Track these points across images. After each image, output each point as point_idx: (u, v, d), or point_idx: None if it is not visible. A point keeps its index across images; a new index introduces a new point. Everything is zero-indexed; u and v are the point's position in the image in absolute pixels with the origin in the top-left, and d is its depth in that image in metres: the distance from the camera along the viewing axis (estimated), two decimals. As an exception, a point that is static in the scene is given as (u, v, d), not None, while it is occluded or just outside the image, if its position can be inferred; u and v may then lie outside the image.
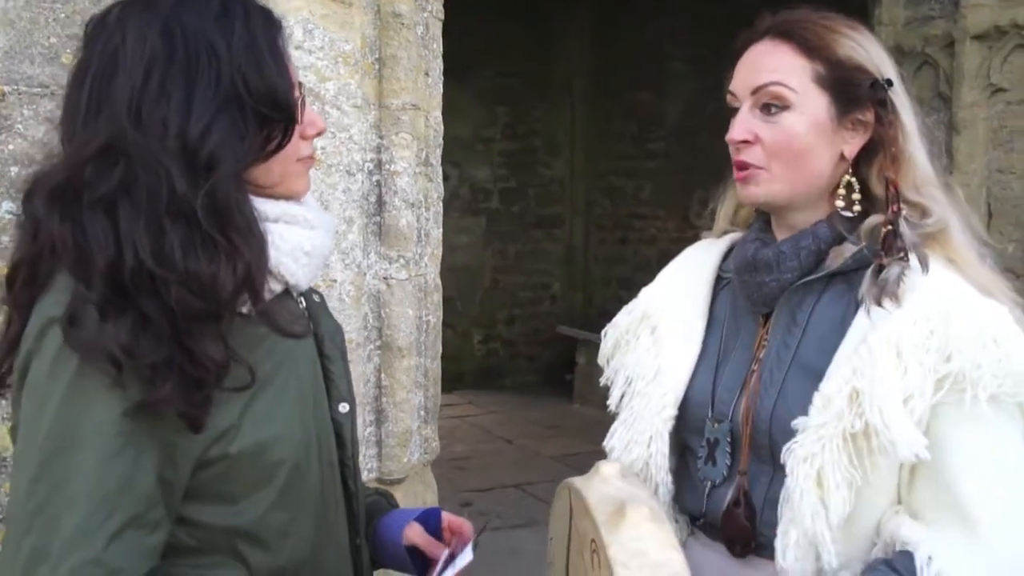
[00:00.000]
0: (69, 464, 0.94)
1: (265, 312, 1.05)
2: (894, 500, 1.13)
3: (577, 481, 1.14)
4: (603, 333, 1.43)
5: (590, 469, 1.17)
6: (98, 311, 0.95)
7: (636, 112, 8.12)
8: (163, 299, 0.96)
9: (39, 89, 2.08)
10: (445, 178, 2.76)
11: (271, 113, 1.05)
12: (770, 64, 1.20)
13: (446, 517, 1.37)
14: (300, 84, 1.12)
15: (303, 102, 1.12)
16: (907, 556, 1.07)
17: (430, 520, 1.36)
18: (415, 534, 1.33)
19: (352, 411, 1.25)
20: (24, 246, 1.04)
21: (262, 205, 1.07)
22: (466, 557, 1.26)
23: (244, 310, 1.03)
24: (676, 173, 7.52)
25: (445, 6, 2.66)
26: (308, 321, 1.21)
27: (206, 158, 1.00)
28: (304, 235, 1.12)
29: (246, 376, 1.01)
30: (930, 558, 1.05)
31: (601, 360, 1.43)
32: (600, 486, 1.11)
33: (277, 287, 1.10)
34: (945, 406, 1.07)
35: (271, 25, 1.09)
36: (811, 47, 1.19)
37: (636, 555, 0.99)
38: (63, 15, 2.10)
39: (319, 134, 1.18)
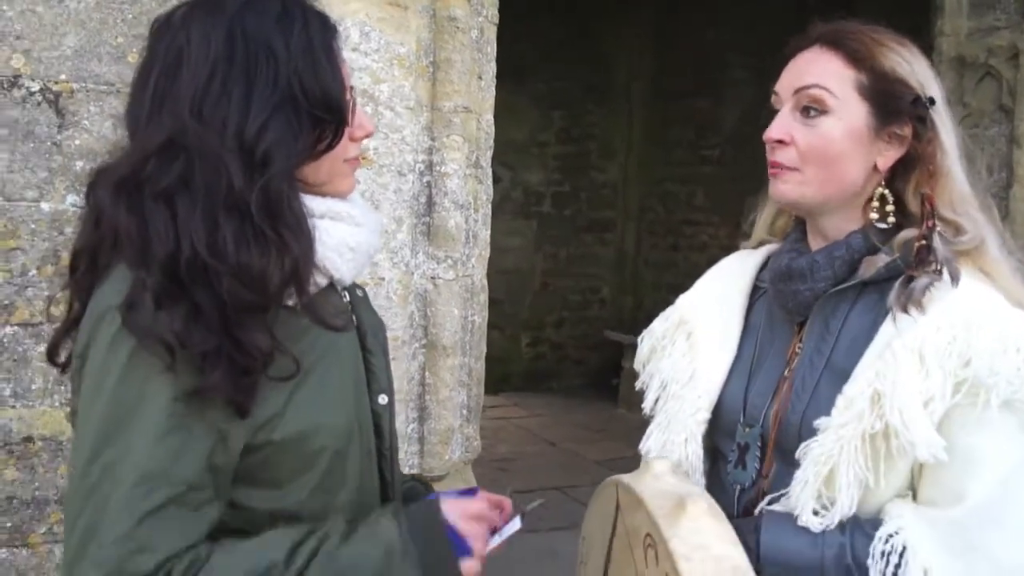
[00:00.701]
0: (120, 445, 0.98)
1: (309, 305, 1.09)
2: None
3: (627, 477, 1.15)
4: (640, 339, 1.45)
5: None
6: (154, 299, 0.99)
7: (693, 119, 8.07)
8: (215, 290, 1.00)
9: (106, 87, 2.16)
10: (497, 180, 2.79)
11: (324, 115, 1.10)
12: (815, 69, 1.22)
13: (484, 495, 1.36)
14: (352, 87, 1.16)
15: (354, 104, 1.16)
16: (868, 531, 1.10)
17: (468, 495, 1.37)
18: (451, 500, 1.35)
19: (391, 403, 1.29)
20: (86, 234, 1.10)
21: (309, 202, 1.11)
22: (514, 526, 1.25)
23: (290, 303, 1.08)
24: (730, 181, 7.46)
25: (500, 11, 2.69)
26: (351, 315, 1.25)
27: (262, 155, 1.04)
28: (349, 231, 1.16)
29: (291, 366, 1.06)
30: (898, 530, 1.07)
31: (637, 365, 1.45)
32: (653, 482, 1.12)
33: (322, 281, 1.14)
34: (957, 409, 1.08)
35: (327, 30, 1.14)
36: (857, 57, 1.20)
37: (698, 548, 1.00)
38: (130, 15, 2.18)
39: (367, 136, 1.22)
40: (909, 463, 1.10)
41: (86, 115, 2.15)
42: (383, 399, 1.27)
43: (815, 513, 1.12)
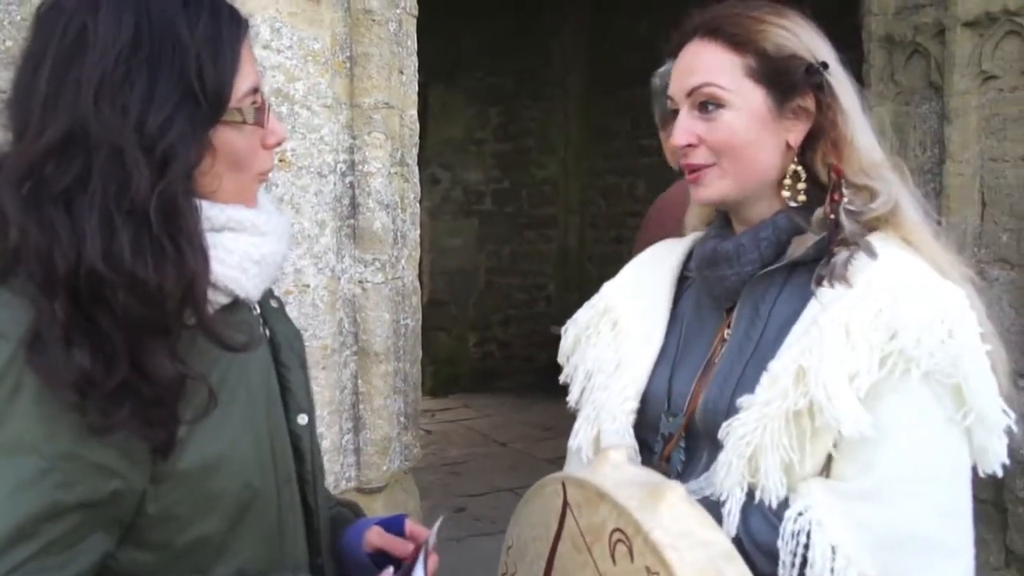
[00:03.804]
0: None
1: (205, 323, 0.99)
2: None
3: (578, 472, 1.09)
4: (563, 330, 1.39)
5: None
6: (63, 332, 0.88)
7: (630, 109, 8.06)
8: (114, 310, 0.90)
9: (-6, 94, 2.02)
10: (436, 181, 2.71)
11: (215, 111, 0.99)
12: (701, 65, 1.19)
13: (409, 525, 1.30)
14: (260, 91, 1.06)
15: (267, 109, 1.06)
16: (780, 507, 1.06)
17: (391, 527, 1.29)
18: (375, 536, 1.27)
19: (312, 422, 1.18)
20: None
21: (208, 211, 1.01)
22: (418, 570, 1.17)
23: (190, 322, 0.97)
24: (671, 170, 7.46)
25: (431, 8, 2.60)
26: (263, 328, 1.15)
27: (162, 154, 0.93)
28: (252, 243, 1.05)
29: (204, 398, 0.96)
30: (806, 508, 1.04)
31: (561, 358, 1.39)
32: (614, 473, 1.05)
33: (223, 299, 1.04)
34: (879, 381, 1.05)
35: (236, 23, 1.04)
36: (739, 42, 1.17)
37: (682, 536, 0.94)
38: (19, 17, 2.04)
39: (279, 144, 1.11)
40: (831, 441, 1.06)
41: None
42: (302, 419, 1.16)
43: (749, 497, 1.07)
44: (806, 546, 1.02)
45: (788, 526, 1.04)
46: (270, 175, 2.18)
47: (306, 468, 1.16)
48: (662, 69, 2.32)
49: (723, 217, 1.29)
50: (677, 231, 1.43)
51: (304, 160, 2.26)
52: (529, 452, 5.99)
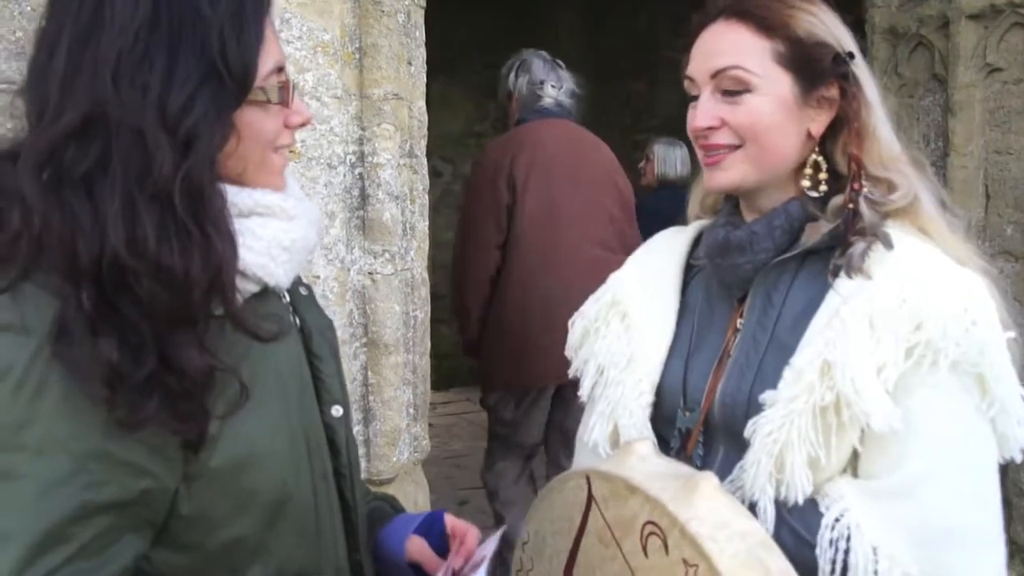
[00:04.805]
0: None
1: (234, 312, 0.96)
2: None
3: (605, 466, 1.07)
4: (571, 322, 1.38)
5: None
6: (90, 323, 0.85)
7: (629, 102, 8.05)
8: (139, 299, 0.87)
9: (5, 85, 2.01)
10: (438, 175, 2.72)
11: (242, 89, 0.96)
12: (727, 47, 1.17)
13: (449, 522, 1.27)
14: (283, 69, 1.03)
15: (292, 88, 1.03)
16: (813, 512, 1.05)
17: (434, 526, 1.26)
18: (416, 549, 1.23)
19: (347, 414, 1.15)
20: None
21: (235, 196, 0.98)
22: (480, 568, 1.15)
23: (217, 312, 0.95)
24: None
25: (430, 1, 2.59)
26: (292, 317, 1.12)
27: (185, 134, 0.90)
28: (281, 228, 1.03)
29: (235, 392, 0.93)
30: (843, 513, 1.03)
31: (568, 351, 1.38)
32: (642, 465, 1.03)
33: (252, 287, 1.01)
34: (907, 373, 1.05)
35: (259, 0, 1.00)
36: (769, 25, 1.15)
37: (720, 526, 0.92)
38: (28, 7, 2.03)
39: (305, 123, 1.09)
40: (856, 437, 1.05)
41: (-15, 116, 2.00)
42: (337, 411, 1.13)
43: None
44: (846, 551, 1.01)
45: (826, 534, 1.03)
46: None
47: (342, 462, 1.13)
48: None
49: (731, 205, 1.27)
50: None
51: (314, 151, 2.26)
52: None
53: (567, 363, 1.33)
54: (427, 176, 2.64)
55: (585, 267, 3.10)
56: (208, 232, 0.91)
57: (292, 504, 1.02)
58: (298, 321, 1.13)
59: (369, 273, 2.38)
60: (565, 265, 3.17)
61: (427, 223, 2.64)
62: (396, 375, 2.40)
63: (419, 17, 2.55)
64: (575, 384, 1.32)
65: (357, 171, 2.36)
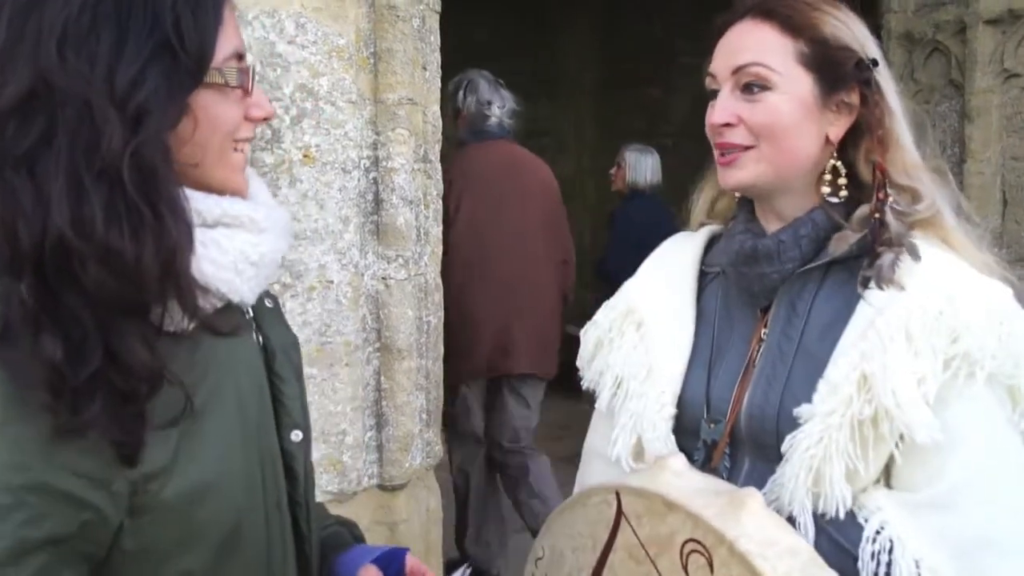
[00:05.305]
0: None
1: (187, 304, 0.88)
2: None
3: (635, 481, 1.05)
4: (583, 332, 1.36)
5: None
6: (32, 319, 0.79)
7: (645, 108, 8.04)
8: (83, 286, 0.80)
9: None
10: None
11: (196, 72, 0.89)
12: (751, 44, 1.16)
13: (410, 562, 1.19)
14: (243, 57, 0.97)
15: (253, 78, 0.97)
16: (855, 525, 1.04)
17: (392, 563, 1.17)
18: None
19: (307, 439, 1.08)
20: None
21: (200, 202, 0.91)
22: None
23: (171, 328, 0.88)
24: (685, 168, 7.39)
25: (445, 5, 2.60)
26: (256, 336, 1.05)
27: (135, 111, 0.83)
28: (250, 241, 0.95)
29: (180, 402, 0.86)
30: (883, 526, 1.02)
31: (580, 362, 1.35)
32: (678, 481, 1.01)
33: (215, 303, 0.94)
34: (944, 385, 1.04)
35: None
36: (794, 26, 1.15)
37: (768, 544, 0.91)
38: None
39: (267, 119, 1.01)
40: (891, 449, 1.04)
41: None
42: (296, 435, 1.05)
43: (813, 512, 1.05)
44: (888, 564, 1.00)
45: (867, 547, 1.02)
46: (295, 170, 2.20)
47: (298, 490, 1.06)
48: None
49: (747, 211, 1.25)
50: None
51: (328, 156, 2.27)
52: (544, 450, 5.98)
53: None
54: (441, 181, 2.65)
55: (512, 282, 3.62)
56: (161, 213, 0.84)
57: (243, 535, 0.95)
58: (261, 339, 1.06)
59: (383, 278, 2.38)
60: (491, 280, 3.59)
61: (441, 228, 2.65)
62: (409, 380, 2.41)
63: (434, 22, 2.56)
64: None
65: (371, 176, 2.37)
